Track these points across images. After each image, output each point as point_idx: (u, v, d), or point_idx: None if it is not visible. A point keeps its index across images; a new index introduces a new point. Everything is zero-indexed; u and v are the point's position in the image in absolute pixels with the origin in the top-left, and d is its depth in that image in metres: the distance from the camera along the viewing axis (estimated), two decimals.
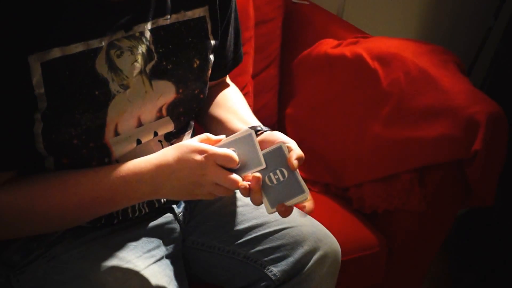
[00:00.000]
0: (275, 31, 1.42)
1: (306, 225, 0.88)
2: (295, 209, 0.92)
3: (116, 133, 0.74)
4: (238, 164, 0.70)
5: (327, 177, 1.26)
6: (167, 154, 0.71)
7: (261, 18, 1.37)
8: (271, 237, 0.86)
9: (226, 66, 0.93)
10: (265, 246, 0.86)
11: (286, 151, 0.71)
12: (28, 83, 0.64)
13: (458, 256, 1.71)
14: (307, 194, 0.70)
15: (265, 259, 0.85)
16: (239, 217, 0.89)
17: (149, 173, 0.70)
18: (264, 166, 0.70)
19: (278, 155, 0.71)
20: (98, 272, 0.73)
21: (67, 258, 0.76)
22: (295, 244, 0.85)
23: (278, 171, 0.70)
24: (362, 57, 1.19)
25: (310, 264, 0.85)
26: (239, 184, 0.68)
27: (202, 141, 0.72)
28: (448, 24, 1.96)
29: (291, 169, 0.70)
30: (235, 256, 0.87)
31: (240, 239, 0.87)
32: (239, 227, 0.88)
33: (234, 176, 0.69)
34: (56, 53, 0.65)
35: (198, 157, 0.68)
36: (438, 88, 1.04)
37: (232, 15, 0.89)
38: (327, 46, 1.30)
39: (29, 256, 0.77)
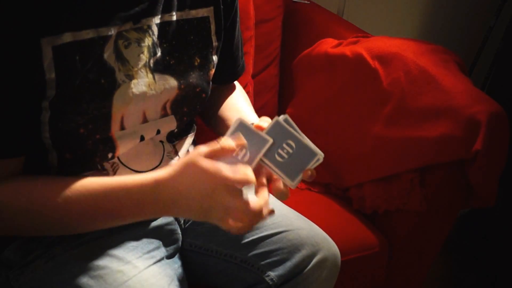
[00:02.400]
0: (275, 30, 1.42)
1: (304, 229, 0.88)
2: (292, 212, 0.93)
3: (122, 127, 0.75)
4: (253, 165, 0.67)
5: (327, 177, 1.26)
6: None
7: (261, 17, 1.37)
8: (268, 241, 0.86)
9: (237, 70, 0.96)
10: (262, 250, 0.85)
11: (284, 123, 0.70)
12: (40, 66, 0.65)
13: (459, 257, 1.70)
14: (321, 155, 0.69)
15: (262, 263, 0.85)
16: None
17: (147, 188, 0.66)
18: (271, 140, 0.69)
19: (279, 129, 0.70)
20: (98, 273, 0.73)
21: (66, 258, 0.75)
22: (293, 248, 0.85)
23: (285, 145, 0.69)
24: (363, 56, 1.18)
25: (308, 268, 0.85)
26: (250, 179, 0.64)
27: (207, 155, 0.65)
28: (449, 23, 1.96)
29: (296, 138, 0.69)
30: (232, 260, 0.86)
31: (237, 242, 0.86)
32: None
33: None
34: (67, 37, 0.66)
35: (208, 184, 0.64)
36: (439, 87, 1.04)
37: (237, 17, 0.90)
38: (328, 45, 1.29)
39: (28, 256, 0.77)
